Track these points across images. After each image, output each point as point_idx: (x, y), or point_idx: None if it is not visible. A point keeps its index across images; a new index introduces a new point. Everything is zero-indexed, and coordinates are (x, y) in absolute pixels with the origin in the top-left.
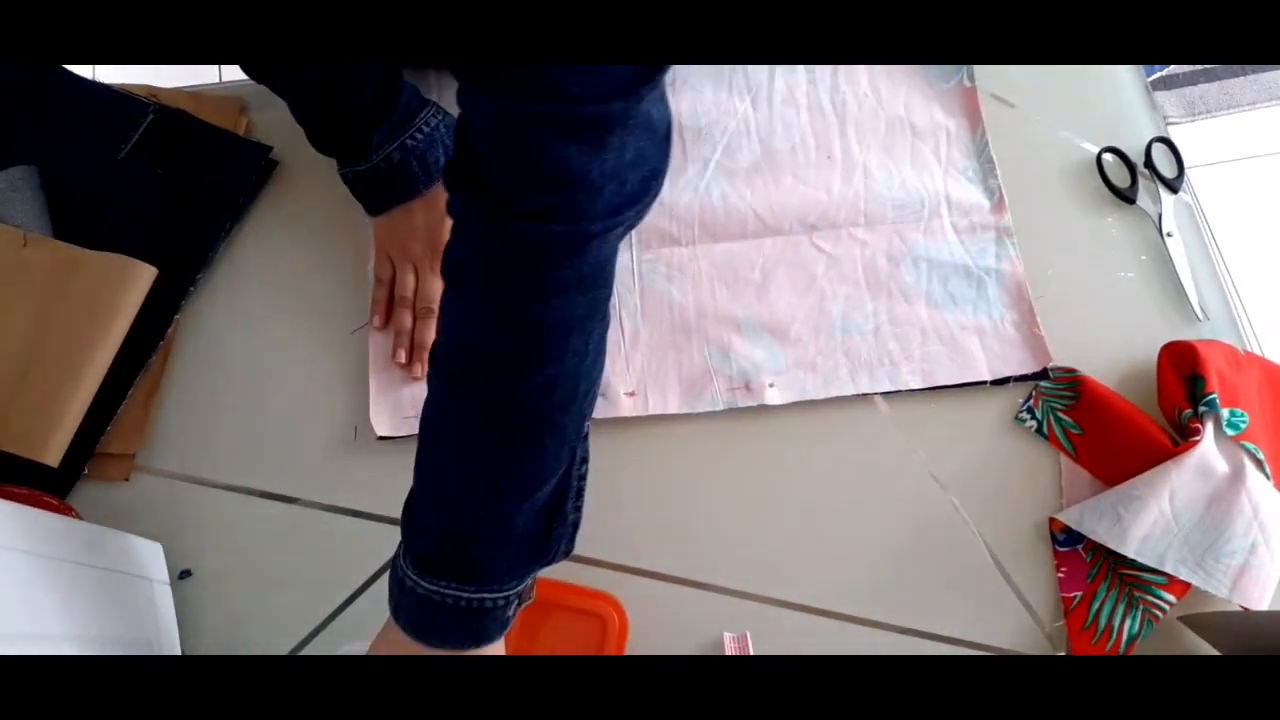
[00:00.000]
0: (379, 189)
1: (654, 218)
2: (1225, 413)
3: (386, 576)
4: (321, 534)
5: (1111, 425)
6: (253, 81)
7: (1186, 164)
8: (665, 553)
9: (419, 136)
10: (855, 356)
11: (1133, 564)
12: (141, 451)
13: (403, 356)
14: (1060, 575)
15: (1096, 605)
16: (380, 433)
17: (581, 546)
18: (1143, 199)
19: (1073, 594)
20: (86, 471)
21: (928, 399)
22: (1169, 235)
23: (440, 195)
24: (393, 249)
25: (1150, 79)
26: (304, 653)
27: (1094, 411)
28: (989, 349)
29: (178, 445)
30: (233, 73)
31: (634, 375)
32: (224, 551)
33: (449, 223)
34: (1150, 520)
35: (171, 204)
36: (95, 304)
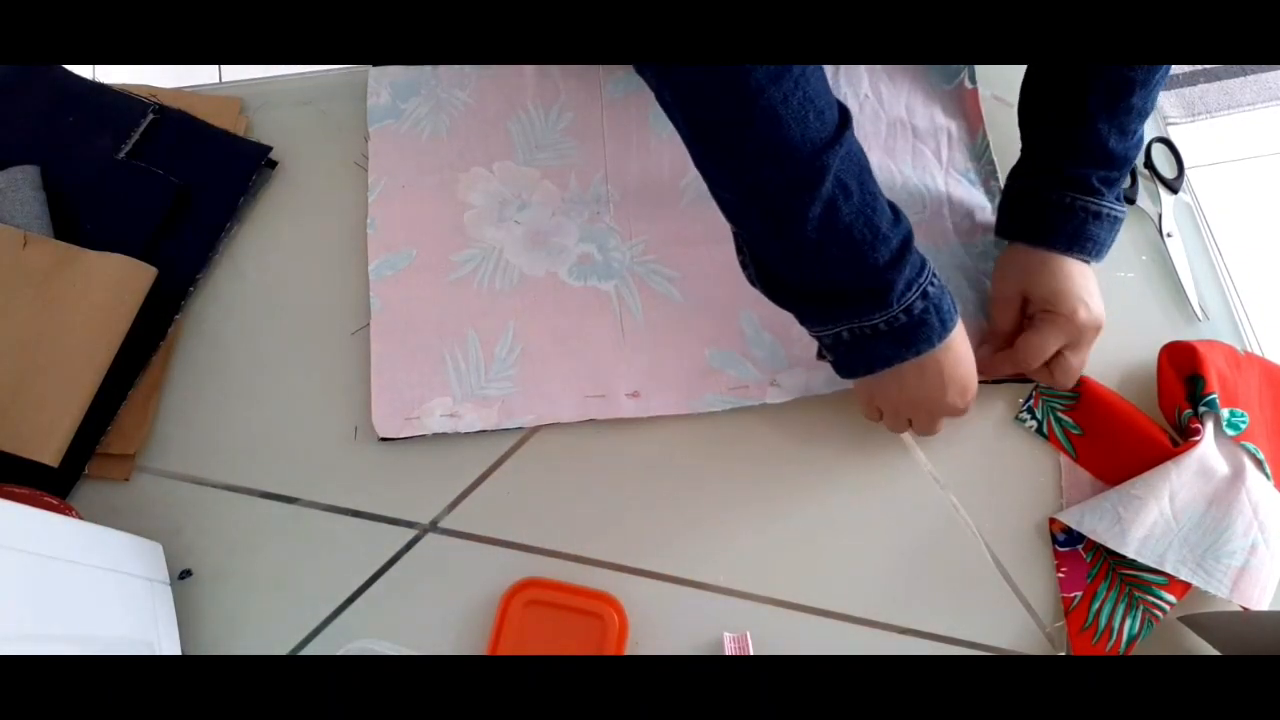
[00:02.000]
0: (882, 345)
1: (655, 218)
2: (1225, 413)
3: (381, 579)
4: (321, 534)
5: (1111, 425)
6: (252, 81)
7: (1186, 164)
8: (665, 553)
9: (936, 282)
10: None
11: (1133, 564)
12: (141, 451)
13: None
14: (1060, 575)
15: (1096, 605)
16: (382, 434)
17: (581, 546)
18: (1143, 199)
19: (1073, 594)
20: (86, 471)
21: None
22: (1169, 235)
23: (939, 356)
24: (883, 406)
25: None
26: (304, 653)
27: (1094, 412)
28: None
29: (178, 445)
30: (233, 73)
31: (636, 376)
32: (224, 551)
33: (943, 382)
34: (1150, 520)
35: (171, 204)
36: (95, 304)
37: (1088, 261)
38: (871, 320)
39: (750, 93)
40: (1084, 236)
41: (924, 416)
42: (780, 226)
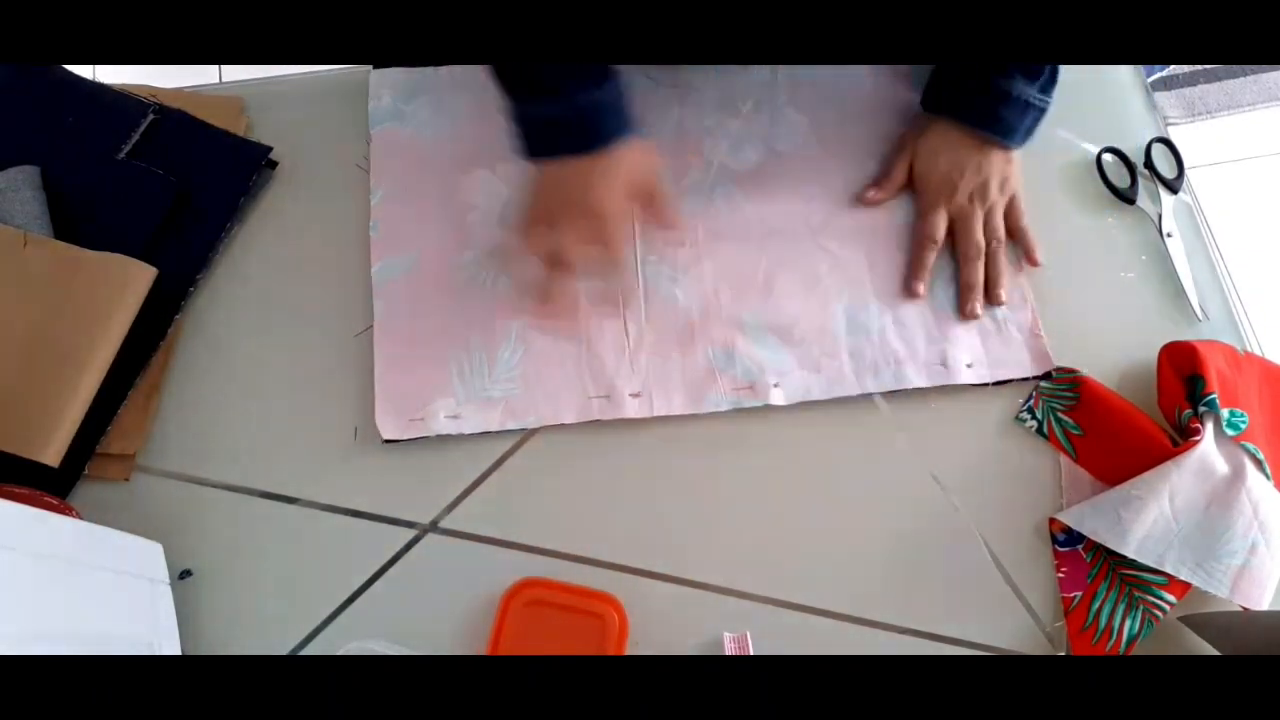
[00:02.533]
0: (560, 134)
1: None
2: (1225, 413)
3: (381, 579)
4: (321, 534)
5: (1112, 426)
6: (252, 81)
7: (1186, 164)
8: (665, 553)
9: (613, 90)
10: (859, 357)
11: (1133, 564)
12: (141, 451)
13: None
14: (1060, 575)
15: (1096, 605)
16: (386, 436)
17: (581, 546)
18: (1143, 199)
19: (1073, 594)
20: (86, 471)
21: (929, 399)
22: (1169, 235)
23: (610, 159)
24: (553, 207)
25: (1150, 79)
26: (304, 653)
27: (1094, 412)
28: (991, 351)
29: (178, 445)
30: (233, 73)
31: (639, 377)
32: (224, 551)
33: (607, 185)
34: (1150, 520)
35: (171, 204)
36: (95, 304)
37: (1001, 144)
38: (550, 109)
39: None
40: (986, 112)
41: (571, 221)
42: None
